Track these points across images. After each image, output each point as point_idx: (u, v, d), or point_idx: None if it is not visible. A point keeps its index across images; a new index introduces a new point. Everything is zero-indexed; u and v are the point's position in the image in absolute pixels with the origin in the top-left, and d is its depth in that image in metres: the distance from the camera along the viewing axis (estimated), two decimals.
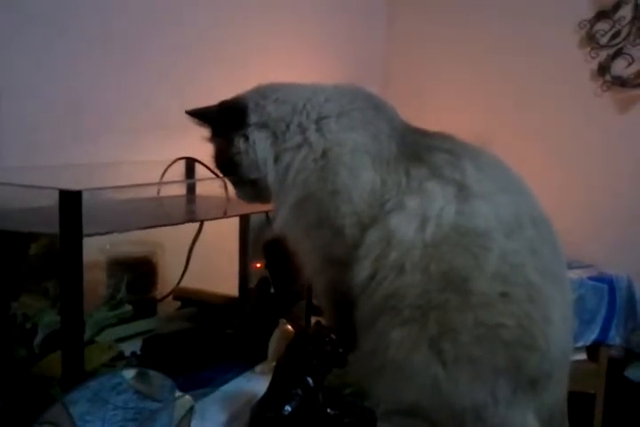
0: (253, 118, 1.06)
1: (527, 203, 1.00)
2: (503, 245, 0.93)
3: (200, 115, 1.10)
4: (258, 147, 1.05)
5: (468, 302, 0.91)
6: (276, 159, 1.05)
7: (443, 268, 0.93)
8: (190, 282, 1.54)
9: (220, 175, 1.19)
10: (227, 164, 1.10)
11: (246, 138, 1.06)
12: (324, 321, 1.16)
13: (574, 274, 2.29)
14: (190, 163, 1.53)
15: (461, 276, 0.92)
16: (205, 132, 1.13)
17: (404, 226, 0.95)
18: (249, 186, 1.10)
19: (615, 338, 2.33)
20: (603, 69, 2.51)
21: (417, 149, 1.02)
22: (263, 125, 1.05)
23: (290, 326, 1.33)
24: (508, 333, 0.90)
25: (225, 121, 1.08)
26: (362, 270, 0.98)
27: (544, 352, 0.91)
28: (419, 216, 0.95)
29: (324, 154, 1.01)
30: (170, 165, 1.44)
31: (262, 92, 1.08)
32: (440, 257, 0.93)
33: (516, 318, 0.90)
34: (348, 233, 1.01)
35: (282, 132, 1.04)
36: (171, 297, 1.54)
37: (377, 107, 1.08)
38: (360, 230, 1.00)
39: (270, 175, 1.05)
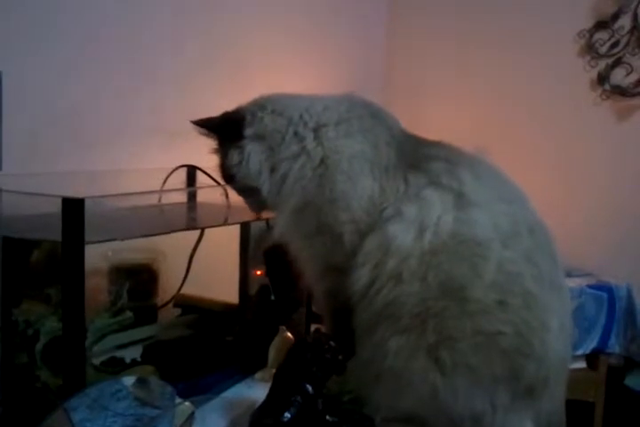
0: (249, 131, 1.07)
1: (524, 211, 1.00)
2: (500, 254, 0.93)
3: (203, 125, 1.11)
4: (252, 159, 1.06)
5: (465, 310, 0.91)
6: (273, 170, 1.05)
7: (440, 276, 0.93)
8: (191, 289, 1.54)
9: (221, 183, 1.20)
10: (226, 175, 1.11)
11: (241, 150, 1.07)
12: (323, 328, 1.16)
13: (574, 282, 2.29)
14: (191, 170, 1.53)
15: (459, 284, 0.92)
16: (210, 142, 1.13)
17: (401, 234, 0.96)
18: (250, 196, 1.10)
19: (615, 346, 2.32)
20: (602, 79, 2.52)
21: (415, 157, 1.02)
22: (259, 137, 1.06)
23: (290, 334, 1.33)
24: (506, 340, 0.90)
25: (224, 132, 1.09)
26: (360, 278, 0.99)
27: (542, 359, 0.92)
28: (416, 224, 0.95)
29: (322, 162, 1.02)
30: (171, 173, 1.45)
31: (261, 104, 1.09)
32: (438, 265, 0.93)
33: (514, 326, 0.91)
34: (346, 240, 1.01)
35: (277, 145, 1.05)
36: (171, 304, 1.54)
37: (375, 115, 1.08)
38: (359, 238, 1.00)
39: (265, 186, 1.06)
